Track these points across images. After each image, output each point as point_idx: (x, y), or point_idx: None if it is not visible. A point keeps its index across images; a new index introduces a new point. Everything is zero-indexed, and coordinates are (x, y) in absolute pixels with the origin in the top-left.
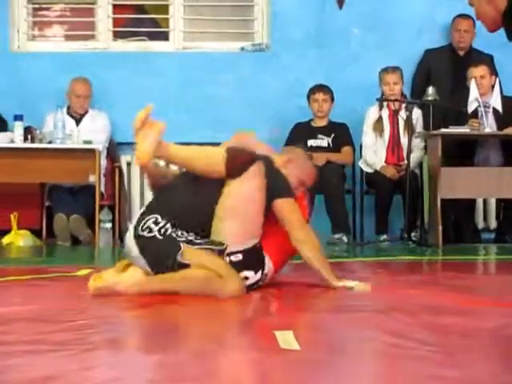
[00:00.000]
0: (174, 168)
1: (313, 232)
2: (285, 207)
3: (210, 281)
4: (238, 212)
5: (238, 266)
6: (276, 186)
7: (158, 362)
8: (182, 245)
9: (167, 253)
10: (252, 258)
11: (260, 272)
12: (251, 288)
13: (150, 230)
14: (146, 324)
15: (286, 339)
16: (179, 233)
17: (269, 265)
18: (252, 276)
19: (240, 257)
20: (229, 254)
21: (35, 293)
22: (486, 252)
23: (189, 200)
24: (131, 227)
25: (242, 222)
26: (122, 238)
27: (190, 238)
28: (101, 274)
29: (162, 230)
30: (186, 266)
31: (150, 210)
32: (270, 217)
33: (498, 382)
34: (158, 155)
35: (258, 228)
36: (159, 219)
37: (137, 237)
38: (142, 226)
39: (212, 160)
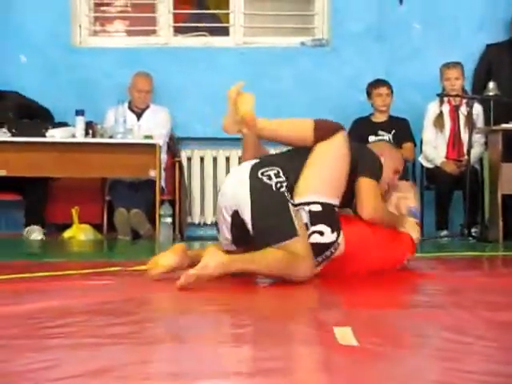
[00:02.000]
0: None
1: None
2: (364, 186)
3: (288, 263)
4: (317, 169)
5: (316, 217)
6: (364, 164)
7: (218, 355)
8: (291, 208)
9: (279, 211)
10: (330, 214)
11: (336, 233)
12: (323, 256)
13: (270, 178)
14: (207, 318)
15: (345, 335)
16: (289, 194)
17: (342, 241)
18: (328, 233)
19: (319, 207)
20: (309, 204)
21: (95, 286)
22: None
23: (293, 163)
24: (238, 171)
25: (325, 178)
26: (182, 233)
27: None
28: (157, 259)
29: (279, 185)
30: (293, 234)
31: (267, 162)
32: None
33: None
34: (250, 128)
35: (337, 189)
36: (281, 173)
37: (253, 177)
38: (263, 172)
39: (301, 127)
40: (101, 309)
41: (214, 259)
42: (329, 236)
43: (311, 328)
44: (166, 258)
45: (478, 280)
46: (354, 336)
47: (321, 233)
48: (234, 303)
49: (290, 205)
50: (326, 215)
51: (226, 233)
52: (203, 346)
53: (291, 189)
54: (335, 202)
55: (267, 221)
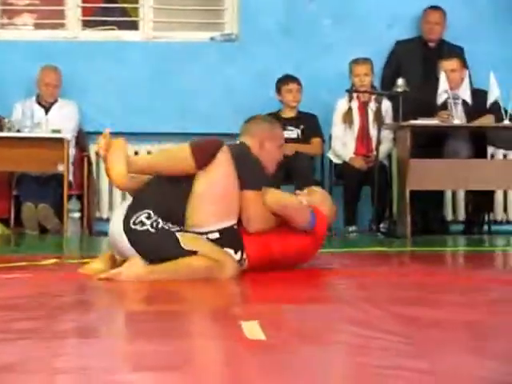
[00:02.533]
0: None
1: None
2: (248, 202)
3: (210, 268)
4: (208, 196)
5: (218, 243)
6: (245, 176)
7: (125, 350)
8: (177, 234)
9: (166, 243)
10: (230, 237)
11: (239, 253)
12: None
13: (143, 224)
14: (115, 312)
15: (252, 329)
16: (170, 225)
17: (246, 257)
18: (232, 254)
19: (217, 235)
20: (206, 233)
21: (1, 281)
22: (454, 243)
23: (172, 194)
24: (118, 220)
25: (213, 204)
26: (90, 228)
27: (179, 228)
28: (89, 264)
29: (154, 224)
30: (192, 252)
31: (139, 204)
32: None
33: (466, 373)
34: (130, 171)
35: (232, 210)
36: (152, 214)
37: (127, 230)
38: (134, 221)
39: (179, 157)
40: (7, 304)
41: (129, 270)
42: (233, 256)
43: (219, 323)
44: (96, 265)
45: (386, 275)
46: (261, 330)
47: None
48: (146, 299)
49: (174, 234)
50: (227, 239)
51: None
52: (111, 340)
53: (169, 218)
54: (233, 221)
55: (163, 254)
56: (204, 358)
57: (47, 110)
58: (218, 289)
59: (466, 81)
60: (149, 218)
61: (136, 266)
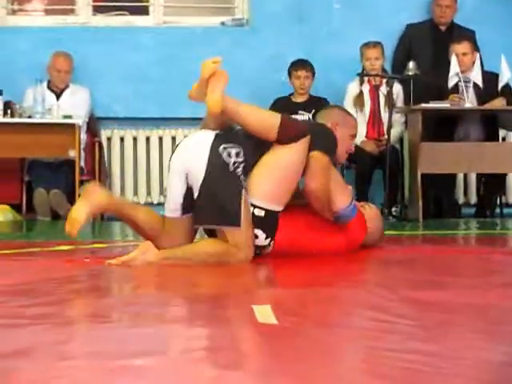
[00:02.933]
0: None
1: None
2: (316, 162)
3: (224, 255)
4: (272, 173)
5: (257, 221)
6: (318, 139)
7: (135, 335)
8: (243, 192)
9: (229, 192)
10: (270, 222)
11: (269, 240)
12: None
13: (229, 156)
14: (128, 297)
15: (264, 313)
16: (244, 178)
17: (273, 245)
18: (262, 238)
19: (262, 213)
20: (254, 206)
21: (14, 267)
22: (467, 227)
23: (256, 150)
24: (205, 136)
25: (273, 183)
26: (102, 214)
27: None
28: (70, 215)
29: (236, 165)
30: (236, 223)
31: (232, 137)
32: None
33: (473, 356)
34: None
35: (285, 197)
36: (241, 154)
37: (214, 150)
38: (225, 147)
39: (267, 121)
40: (20, 289)
41: (143, 257)
42: (262, 241)
43: (230, 307)
44: (79, 212)
45: (399, 259)
46: (273, 314)
47: (255, 236)
48: (158, 283)
49: (242, 191)
50: (267, 222)
51: (176, 196)
52: (124, 326)
53: (247, 173)
54: (279, 208)
55: (215, 201)
56: (214, 342)
57: (58, 96)
58: (232, 273)
59: (478, 64)
60: (238, 155)
61: (150, 251)
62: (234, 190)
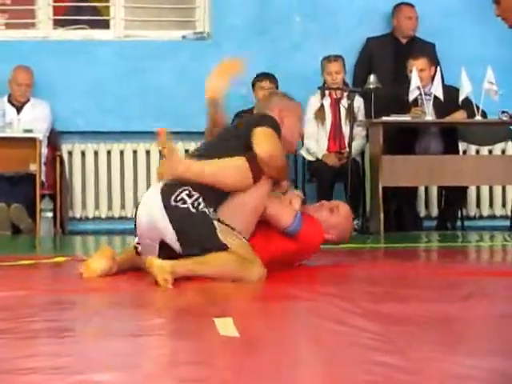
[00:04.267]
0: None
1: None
2: (260, 133)
3: (239, 265)
4: (246, 213)
5: None
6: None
7: (95, 350)
8: (215, 223)
9: (203, 228)
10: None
11: None
12: None
13: (184, 202)
14: (90, 311)
15: (226, 326)
16: (210, 210)
17: None
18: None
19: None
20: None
21: None
22: (428, 239)
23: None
24: (154, 197)
25: (248, 224)
26: (63, 227)
27: (214, 213)
28: (89, 264)
29: (196, 204)
30: (223, 246)
31: (175, 183)
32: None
33: (436, 368)
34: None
35: (253, 227)
36: (192, 192)
37: (168, 207)
38: (176, 198)
39: (241, 176)
40: None
41: (161, 275)
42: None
43: (192, 320)
44: (98, 263)
45: (359, 272)
46: (235, 327)
47: None
48: (125, 297)
49: (213, 222)
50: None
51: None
52: (84, 340)
53: (210, 200)
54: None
55: (195, 246)
56: (175, 356)
57: (19, 110)
58: (187, 287)
59: (438, 77)
60: (190, 195)
61: (164, 269)
62: (207, 226)
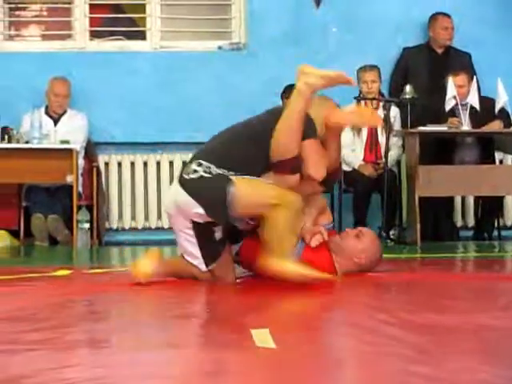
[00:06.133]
0: None
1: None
2: (307, 147)
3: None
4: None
5: None
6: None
7: (133, 360)
8: (231, 177)
9: (220, 188)
10: None
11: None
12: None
13: (196, 171)
14: (125, 322)
15: (263, 337)
16: (223, 170)
17: None
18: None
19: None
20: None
21: (12, 293)
22: (465, 249)
23: (228, 142)
24: (174, 185)
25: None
26: (100, 238)
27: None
28: (138, 267)
29: (207, 169)
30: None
31: (191, 158)
32: None
33: (471, 379)
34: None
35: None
36: (202, 162)
37: (182, 182)
38: (188, 172)
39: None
40: (18, 315)
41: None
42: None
43: (229, 331)
44: (146, 266)
45: (396, 281)
46: (271, 338)
47: None
48: (158, 308)
49: (228, 176)
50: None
51: (195, 252)
52: (120, 351)
53: (222, 163)
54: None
55: (217, 203)
56: (212, 367)
57: (56, 121)
58: (221, 295)
59: (474, 87)
60: (200, 164)
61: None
62: (223, 182)
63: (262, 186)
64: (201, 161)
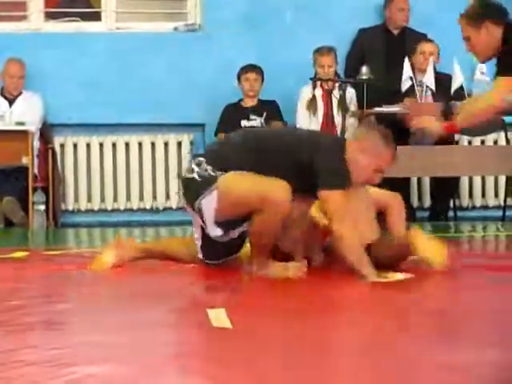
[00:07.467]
0: None
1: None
2: (329, 198)
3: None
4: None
5: None
6: (326, 174)
7: (88, 342)
8: (218, 177)
9: (202, 187)
10: None
11: None
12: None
13: (192, 171)
14: (81, 305)
15: (218, 317)
16: (218, 172)
17: None
18: None
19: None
20: None
21: None
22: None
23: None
24: None
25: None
26: (56, 220)
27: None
28: (99, 258)
29: (201, 171)
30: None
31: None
32: None
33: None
34: None
35: None
36: (201, 160)
37: (183, 179)
38: (188, 169)
39: None
40: None
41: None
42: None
43: (185, 310)
44: (107, 255)
45: None
46: (227, 318)
47: None
48: (113, 288)
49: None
50: None
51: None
52: (77, 332)
53: (219, 163)
54: None
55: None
56: (169, 348)
57: (11, 103)
58: (180, 277)
59: (431, 67)
60: (199, 164)
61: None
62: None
63: (250, 176)
64: (201, 159)
